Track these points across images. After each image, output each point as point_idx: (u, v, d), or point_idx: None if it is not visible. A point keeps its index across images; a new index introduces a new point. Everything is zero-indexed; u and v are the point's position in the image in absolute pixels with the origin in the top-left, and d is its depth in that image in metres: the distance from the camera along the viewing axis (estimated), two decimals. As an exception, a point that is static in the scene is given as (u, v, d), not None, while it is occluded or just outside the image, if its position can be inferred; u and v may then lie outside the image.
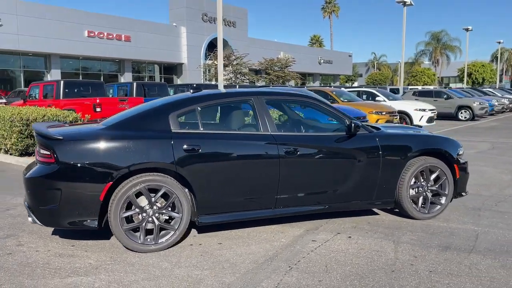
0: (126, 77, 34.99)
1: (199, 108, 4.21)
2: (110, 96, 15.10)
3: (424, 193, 4.84)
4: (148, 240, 3.86)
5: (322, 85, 54.27)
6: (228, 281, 3.30)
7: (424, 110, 15.79)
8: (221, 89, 14.65)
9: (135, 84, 14.90)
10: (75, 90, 12.73)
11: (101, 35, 31.98)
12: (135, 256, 3.77)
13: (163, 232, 3.94)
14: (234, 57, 33.56)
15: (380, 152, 4.58)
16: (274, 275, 3.39)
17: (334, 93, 13.46)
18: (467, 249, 3.95)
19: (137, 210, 3.82)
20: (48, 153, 3.69)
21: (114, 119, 4.24)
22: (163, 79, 38.20)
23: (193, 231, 4.39)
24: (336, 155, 4.48)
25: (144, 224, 3.84)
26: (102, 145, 3.74)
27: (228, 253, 3.85)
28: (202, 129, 4.12)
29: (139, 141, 3.84)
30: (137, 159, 3.77)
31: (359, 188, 4.56)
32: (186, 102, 4.28)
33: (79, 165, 3.66)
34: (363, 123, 5.65)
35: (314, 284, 3.25)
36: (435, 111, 16.41)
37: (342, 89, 17.76)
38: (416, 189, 4.82)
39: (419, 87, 31.77)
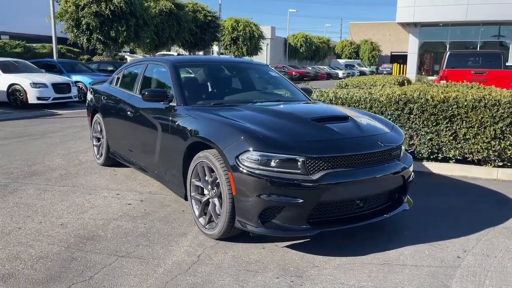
0: None
1: (125, 71, 5.36)
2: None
3: (210, 200, 3.36)
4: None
5: None
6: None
7: None
8: None
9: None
10: (464, 60, 12.52)
11: None
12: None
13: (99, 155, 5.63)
14: None
15: (169, 129, 3.85)
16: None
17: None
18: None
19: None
20: None
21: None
22: None
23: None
24: (151, 124, 4.19)
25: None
26: (91, 92, 5.93)
27: (79, 179, 5.02)
28: (116, 86, 5.31)
29: (98, 91, 5.69)
30: (94, 101, 5.72)
31: (161, 165, 4.07)
32: (124, 66, 5.48)
33: (87, 101, 6.04)
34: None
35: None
36: None
37: None
38: (203, 190, 3.46)
39: None
